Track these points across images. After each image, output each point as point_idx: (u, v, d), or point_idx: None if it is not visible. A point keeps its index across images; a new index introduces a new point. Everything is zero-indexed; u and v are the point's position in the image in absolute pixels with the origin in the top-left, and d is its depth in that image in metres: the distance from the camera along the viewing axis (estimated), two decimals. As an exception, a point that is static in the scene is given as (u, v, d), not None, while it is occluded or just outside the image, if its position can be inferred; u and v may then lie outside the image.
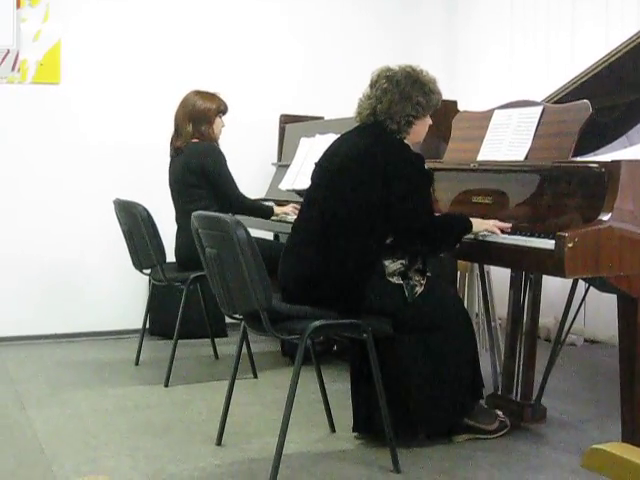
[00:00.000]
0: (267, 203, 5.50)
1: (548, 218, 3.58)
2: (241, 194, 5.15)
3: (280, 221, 5.30)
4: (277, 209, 5.30)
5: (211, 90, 5.18)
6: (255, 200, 5.43)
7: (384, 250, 3.66)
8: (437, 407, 3.77)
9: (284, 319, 3.45)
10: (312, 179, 3.84)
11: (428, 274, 3.74)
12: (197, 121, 5.08)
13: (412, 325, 3.67)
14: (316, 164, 3.84)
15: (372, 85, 3.74)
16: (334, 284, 3.56)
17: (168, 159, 5.21)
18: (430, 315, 3.70)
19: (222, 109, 5.16)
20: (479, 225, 3.70)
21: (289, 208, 5.26)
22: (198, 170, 5.00)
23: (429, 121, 3.81)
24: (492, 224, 3.69)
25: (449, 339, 3.73)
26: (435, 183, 4.23)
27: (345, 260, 3.57)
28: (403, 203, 3.56)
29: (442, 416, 3.81)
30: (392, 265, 3.66)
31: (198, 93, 5.15)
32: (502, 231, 3.66)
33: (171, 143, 5.19)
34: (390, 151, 3.62)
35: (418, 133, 3.76)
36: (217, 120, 5.13)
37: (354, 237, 3.57)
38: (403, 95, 3.65)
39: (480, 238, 3.70)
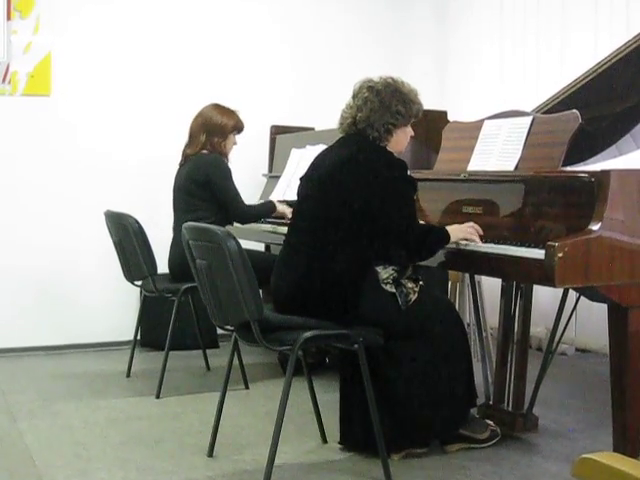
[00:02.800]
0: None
1: (538, 228, 3.58)
2: (246, 206, 5.17)
3: (273, 232, 5.30)
4: (279, 206, 5.29)
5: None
6: (255, 205, 5.44)
7: (375, 257, 3.68)
8: (431, 417, 3.77)
9: (275, 330, 3.45)
10: (298, 193, 3.88)
11: (421, 282, 3.75)
12: (211, 132, 5.11)
13: (406, 331, 3.68)
14: (301, 179, 3.88)
15: (354, 96, 3.81)
16: (326, 293, 3.58)
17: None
18: (424, 321, 3.71)
19: (239, 127, 5.20)
20: (456, 233, 3.73)
21: (288, 210, 5.21)
22: (202, 181, 5.01)
23: (410, 132, 3.86)
24: (468, 230, 3.73)
25: (442, 344, 3.74)
26: (425, 193, 4.24)
27: (336, 268, 3.58)
28: (387, 208, 3.60)
29: (436, 426, 3.81)
30: (384, 272, 3.67)
31: (217, 107, 5.19)
32: (482, 238, 3.69)
33: (183, 151, 5.21)
34: (373, 157, 3.67)
35: (398, 142, 3.81)
36: (231, 137, 5.16)
37: (343, 245, 3.59)
38: (383, 104, 3.71)
39: (462, 247, 3.72)
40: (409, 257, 3.76)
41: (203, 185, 5.02)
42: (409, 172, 3.72)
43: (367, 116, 3.72)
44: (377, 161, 3.66)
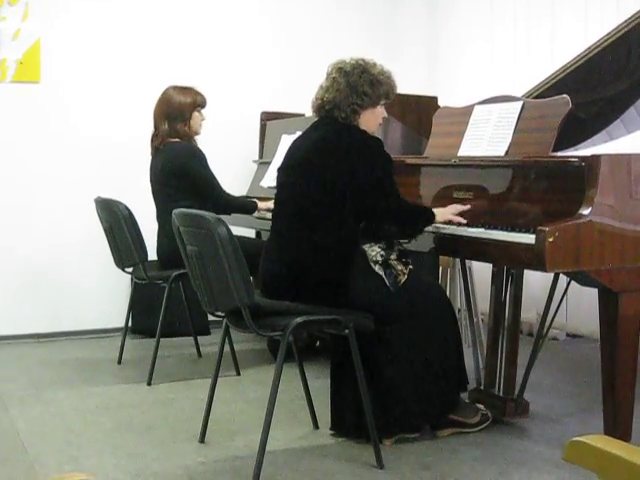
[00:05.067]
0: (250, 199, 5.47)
1: (528, 213, 3.59)
2: (224, 193, 5.12)
3: (262, 218, 5.29)
4: (261, 204, 5.28)
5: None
6: (237, 197, 5.41)
7: (365, 235, 3.70)
8: (422, 402, 3.77)
9: (266, 316, 3.45)
10: (277, 181, 3.90)
11: (411, 266, 3.75)
12: (172, 119, 5.04)
13: (396, 315, 3.68)
14: (278, 169, 3.90)
15: (327, 77, 3.83)
16: (314, 276, 3.59)
17: (149, 157, 5.19)
18: (414, 304, 3.72)
19: (199, 102, 5.12)
20: (442, 216, 3.78)
21: (272, 204, 5.22)
22: (179, 172, 4.97)
23: (382, 112, 3.86)
24: (452, 212, 3.79)
25: (433, 329, 3.75)
26: (416, 179, 4.25)
27: (322, 251, 3.59)
28: (371, 185, 3.62)
29: (427, 410, 3.82)
30: (370, 250, 3.68)
31: (175, 88, 5.12)
32: (472, 223, 3.74)
33: (151, 142, 5.18)
34: (345, 137, 3.69)
35: (368, 123, 3.79)
36: (195, 115, 5.10)
37: (327, 227, 3.60)
38: (349, 84, 3.73)
39: (449, 231, 3.75)
40: (399, 231, 3.78)
41: (180, 175, 4.97)
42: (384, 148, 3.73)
43: (333, 97, 3.74)
44: (351, 140, 3.67)
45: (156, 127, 5.13)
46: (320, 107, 3.80)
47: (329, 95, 3.74)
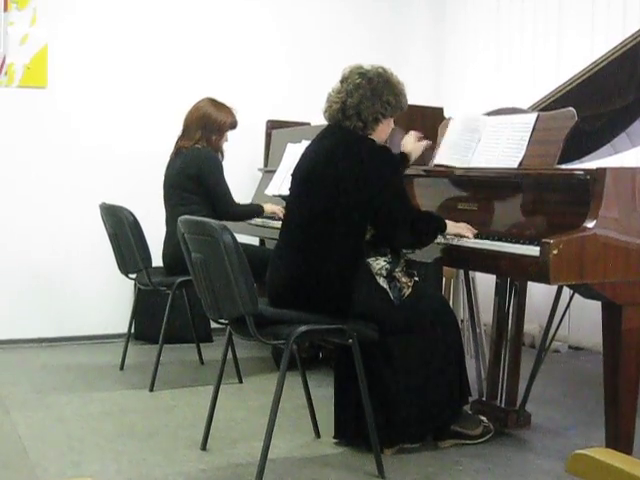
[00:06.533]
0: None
1: (533, 225, 3.59)
2: (234, 203, 5.15)
3: (264, 226, 5.30)
4: (267, 207, 5.30)
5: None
6: (244, 205, 5.42)
7: (366, 248, 3.67)
8: (424, 413, 3.77)
9: (270, 324, 3.45)
10: (289, 190, 3.87)
11: (416, 278, 3.75)
12: (208, 129, 5.10)
13: (399, 327, 3.68)
14: (292, 175, 3.87)
15: (343, 80, 3.76)
16: (319, 287, 3.58)
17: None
18: (417, 315, 3.71)
19: (235, 124, 5.21)
20: (452, 226, 3.76)
21: (278, 209, 5.22)
22: (195, 175, 5.00)
23: (392, 124, 3.83)
24: (465, 227, 3.76)
25: (436, 342, 3.74)
26: (420, 190, 4.25)
27: (327, 262, 3.59)
28: (384, 197, 3.59)
29: (429, 421, 3.81)
30: (375, 263, 3.67)
31: (215, 104, 5.17)
32: (477, 235, 3.73)
33: (176, 143, 5.20)
34: (356, 149, 3.64)
35: (382, 133, 3.76)
36: (226, 133, 5.17)
37: (332, 239, 3.58)
38: (374, 92, 3.68)
39: (454, 242, 3.73)
40: (415, 241, 3.75)
41: (195, 179, 5.01)
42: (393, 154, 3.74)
43: (358, 102, 3.66)
44: (361, 153, 3.62)
45: (186, 131, 5.15)
46: (339, 111, 3.70)
47: (353, 100, 3.66)
